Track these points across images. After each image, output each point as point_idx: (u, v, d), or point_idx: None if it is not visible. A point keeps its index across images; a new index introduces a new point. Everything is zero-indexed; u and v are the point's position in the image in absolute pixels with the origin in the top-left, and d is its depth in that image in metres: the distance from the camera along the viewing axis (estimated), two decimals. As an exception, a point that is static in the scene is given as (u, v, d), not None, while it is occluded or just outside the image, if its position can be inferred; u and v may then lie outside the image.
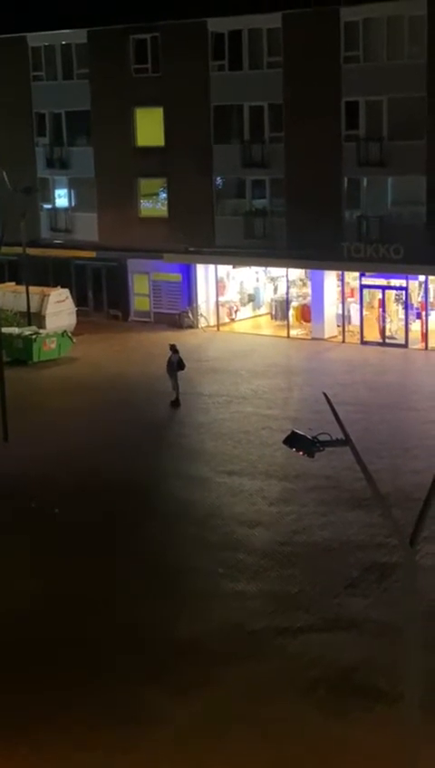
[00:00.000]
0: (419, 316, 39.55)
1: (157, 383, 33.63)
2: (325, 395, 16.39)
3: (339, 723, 15.01)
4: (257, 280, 45.09)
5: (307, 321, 41.74)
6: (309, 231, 39.85)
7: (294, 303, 42.51)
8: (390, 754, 13.83)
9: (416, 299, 39.73)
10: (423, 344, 38.73)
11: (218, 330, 43.31)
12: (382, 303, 39.69)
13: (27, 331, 38.32)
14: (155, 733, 14.89)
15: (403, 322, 39.29)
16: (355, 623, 17.88)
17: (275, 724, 15.04)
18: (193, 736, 14.80)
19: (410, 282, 39.09)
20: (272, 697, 15.70)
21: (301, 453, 16.49)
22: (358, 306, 40.26)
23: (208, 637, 17.58)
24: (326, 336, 40.66)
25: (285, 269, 42.26)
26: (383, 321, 39.59)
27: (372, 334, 39.84)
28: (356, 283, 40.37)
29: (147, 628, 17.90)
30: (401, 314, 39.52)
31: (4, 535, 22.25)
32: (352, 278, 40.53)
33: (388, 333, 39.56)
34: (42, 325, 40.17)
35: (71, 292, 43.28)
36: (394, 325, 39.73)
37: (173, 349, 32.42)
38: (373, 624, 17.78)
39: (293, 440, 16.25)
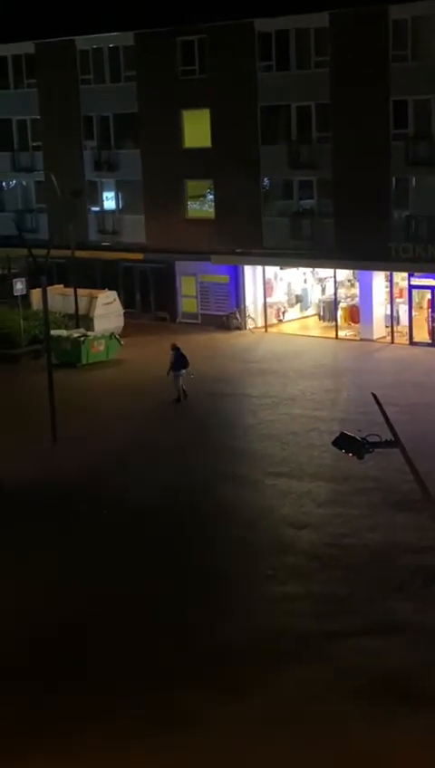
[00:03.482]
0: (468, 316, 39.20)
1: (205, 385, 33.63)
2: (374, 396, 16.23)
3: (386, 727, 14.84)
4: (305, 281, 44.91)
5: (355, 321, 41.49)
6: (357, 231, 39.62)
7: (342, 304, 42.27)
8: (440, 760, 13.66)
9: (466, 299, 39.37)
10: (473, 345, 38.37)
11: (266, 331, 43.20)
12: (432, 304, 39.31)
13: (75, 334, 38.49)
14: (199, 736, 14.80)
15: (453, 323, 38.96)
16: (404, 627, 17.69)
17: (321, 728, 14.90)
18: (239, 740, 14.70)
19: (460, 282, 38.76)
20: (319, 701, 15.56)
21: (350, 454, 16.36)
22: (407, 307, 39.95)
23: (256, 639, 17.47)
24: (375, 337, 40.39)
25: (332, 270, 42.05)
26: (433, 322, 39.21)
27: (421, 335, 39.50)
28: (405, 284, 40.06)
29: (193, 631, 17.84)
30: (451, 315, 39.19)
31: (53, 536, 22.32)
32: (401, 278, 40.22)
33: (437, 334, 39.24)
34: (90, 327, 40.32)
35: (118, 295, 43.40)
36: (444, 326, 39.41)
37: (173, 348, 32.79)
38: (422, 628, 17.57)
39: (342, 442, 16.13)
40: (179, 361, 32.54)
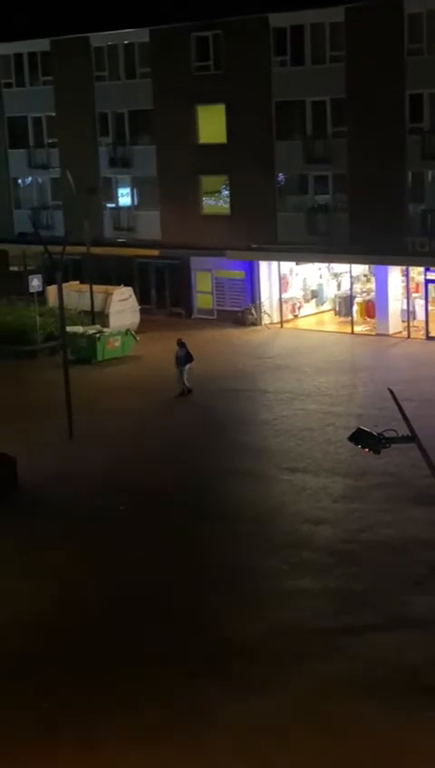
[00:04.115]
0: None
1: (220, 381, 33.64)
2: (391, 391, 16.21)
3: (405, 722, 14.82)
4: (321, 276, 44.82)
5: (371, 317, 41.40)
6: (372, 226, 39.52)
7: (357, 299, 42.19)
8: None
9: None
10: None
11: (282, 326, 43.16)
12: (448, 298, 39.25)
13: (91, 330, 38.54)
14: (217, 732, 14.81)
15: (469, 318, 38.83)
16: (421, 622, 17.65)
17: (339, 723, 14.89)
18: (257, 735, 14.70)
19: (476, 276, 38.64)
20: (336, 697, 15.55)
21: (366, 450, 16.36)
22: (423, 301, 39.84)
23: (272, 635, 17.48)
24: (391, 332, 40.28)
25: (348, 265, 41.98)
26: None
27: (438, 330, 39.44)
28: (421, 278, 39.95)
29: (209, 627, 17.85)
30: (467, 309, 39.06)
31: (69, 532, 22.37)
32: (417, 273, 40.11)
33: (454, 329, 39.12)
34: (105, 324, 40.38)
35: (134, 291, 43.46)
36: (460, 320, 39.27)
37: (179, 343, 32.90)
38: (440, 623, 17.57)
39: (358, 437, 16.14)
40: (184, 357, 32.61)
